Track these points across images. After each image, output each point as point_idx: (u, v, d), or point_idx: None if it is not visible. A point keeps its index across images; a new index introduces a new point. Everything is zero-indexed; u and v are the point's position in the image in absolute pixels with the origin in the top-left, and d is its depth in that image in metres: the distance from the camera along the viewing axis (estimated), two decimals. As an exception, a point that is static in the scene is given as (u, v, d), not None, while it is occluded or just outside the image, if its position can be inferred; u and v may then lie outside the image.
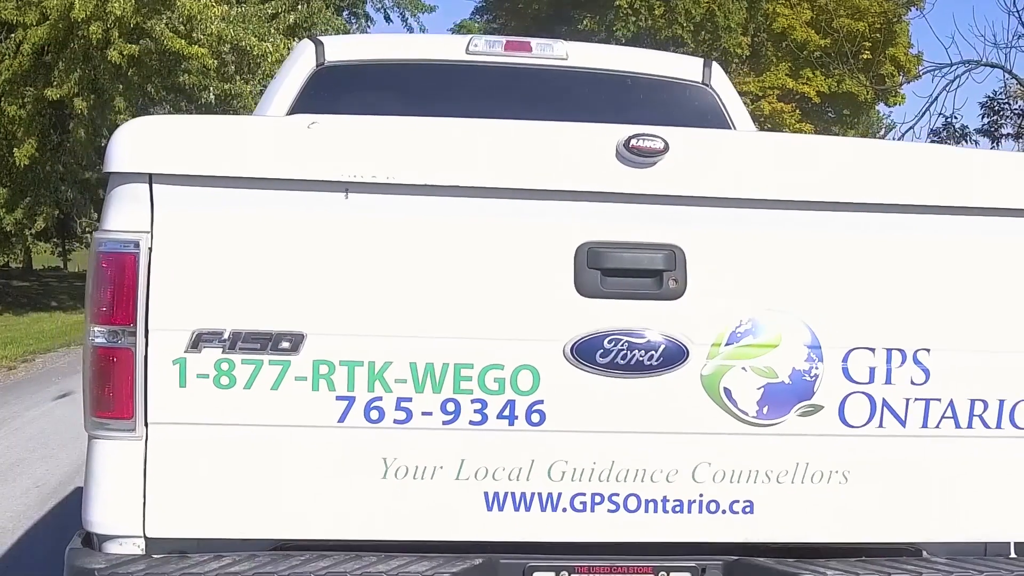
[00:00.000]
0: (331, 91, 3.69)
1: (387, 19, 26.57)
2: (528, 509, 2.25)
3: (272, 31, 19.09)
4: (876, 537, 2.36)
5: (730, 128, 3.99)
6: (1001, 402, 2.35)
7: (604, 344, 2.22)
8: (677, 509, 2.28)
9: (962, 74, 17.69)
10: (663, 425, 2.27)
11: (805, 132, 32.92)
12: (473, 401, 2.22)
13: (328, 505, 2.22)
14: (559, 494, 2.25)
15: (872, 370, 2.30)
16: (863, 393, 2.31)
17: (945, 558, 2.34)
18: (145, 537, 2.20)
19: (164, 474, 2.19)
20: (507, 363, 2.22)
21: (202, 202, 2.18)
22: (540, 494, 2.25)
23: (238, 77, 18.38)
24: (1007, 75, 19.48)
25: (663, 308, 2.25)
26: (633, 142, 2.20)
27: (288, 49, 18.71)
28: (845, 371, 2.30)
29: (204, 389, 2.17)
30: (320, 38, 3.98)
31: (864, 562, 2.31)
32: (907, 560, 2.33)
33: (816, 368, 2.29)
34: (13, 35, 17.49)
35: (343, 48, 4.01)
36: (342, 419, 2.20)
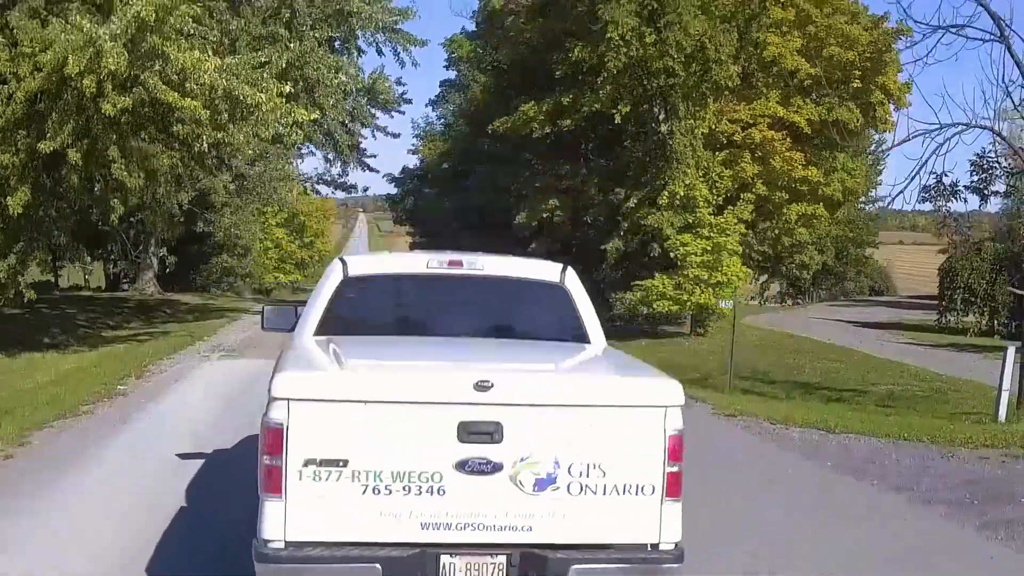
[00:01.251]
0: (352, 290, 6.46)
1: (379, 52, 26.66)
2: (442, 529, 4.85)
3: (265, 76, 19.15)
4: (584, 539, 4.94)
5: (577, 316, 6.42)
6: (607, 485, 4.93)
7: (471, 462, 4.81)
8: (501, 528, 4.87)
9: (952, 136, 17.77)
10: (496, 494, 4.84)
11: (795, 160, 33.19)
12: (417, 486, 4.85)
13: (357, 518, 4.84)
14: (458, 523, 4.86)
15: (571, 471, 4.88)
16: (573, 481, 4.89)
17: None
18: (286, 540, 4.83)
19: (293, 515, 4.80)
20: (431, 470, 4.82)
21: (308, 409, 4.80)
22: (449, 523, 4.86)
23: (231, 126, 18.41)
24: (996, 137, 19.61)
25: (494, 448, 4.82)
26: (480, 382, 4.77)
27: (281, 95, 18.88)
28: (568, 470, 4.87)
29: (309, 479, 4.79)
30: (345, 259, 6.64)
31: (582, 549, 4.93)
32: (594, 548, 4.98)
33: (555, 471, 4.87)
34: (6, 86, 17.51)
35: (358, 266, 6.64)
36: (363, 492, 4.83)
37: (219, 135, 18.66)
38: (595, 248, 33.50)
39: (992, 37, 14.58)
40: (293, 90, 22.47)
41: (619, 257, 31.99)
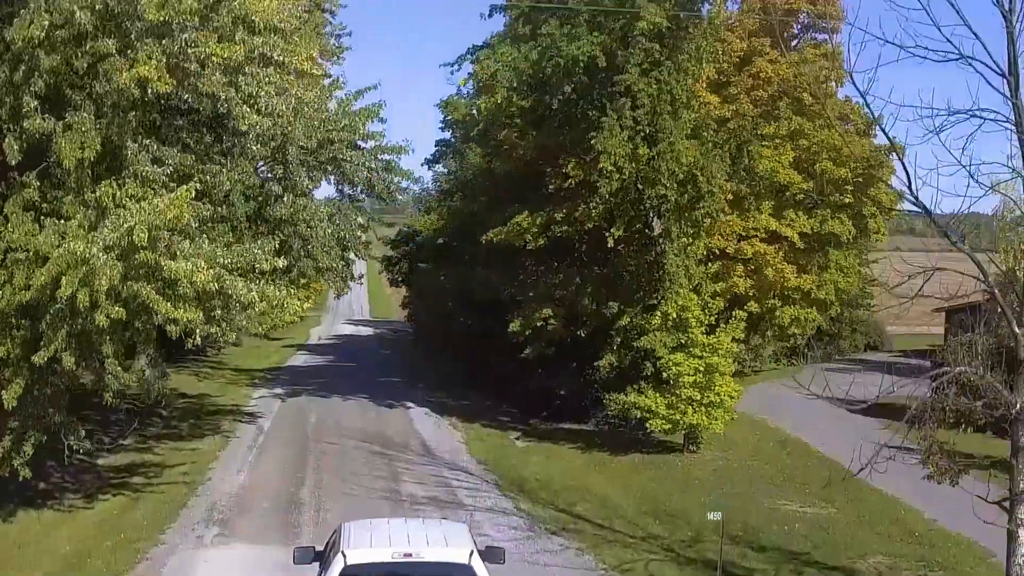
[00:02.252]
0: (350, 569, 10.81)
1: (371, 187, 26.72)
2: None
3: (259, 255, 19.31)
4: None
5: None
6: None
7: None
8: None
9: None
10: None
11: (787, 273, 33.36)
12: None
13: None
14: None
15: None
16: None
17: None
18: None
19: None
20: None
21: None
22: None
23: (224, 323, 18.59)
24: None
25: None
26: None
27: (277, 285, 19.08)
28: None
29: None
30: (345, 552, 10.96)
31: None
32: None
33: None
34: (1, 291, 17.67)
35: (355, 556, 10.88)
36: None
37: (212, 329, 18.81)
38: (588, 350, 33.68)
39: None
40: (286, 259, 22.68)
41: (612, 371, 32.10)
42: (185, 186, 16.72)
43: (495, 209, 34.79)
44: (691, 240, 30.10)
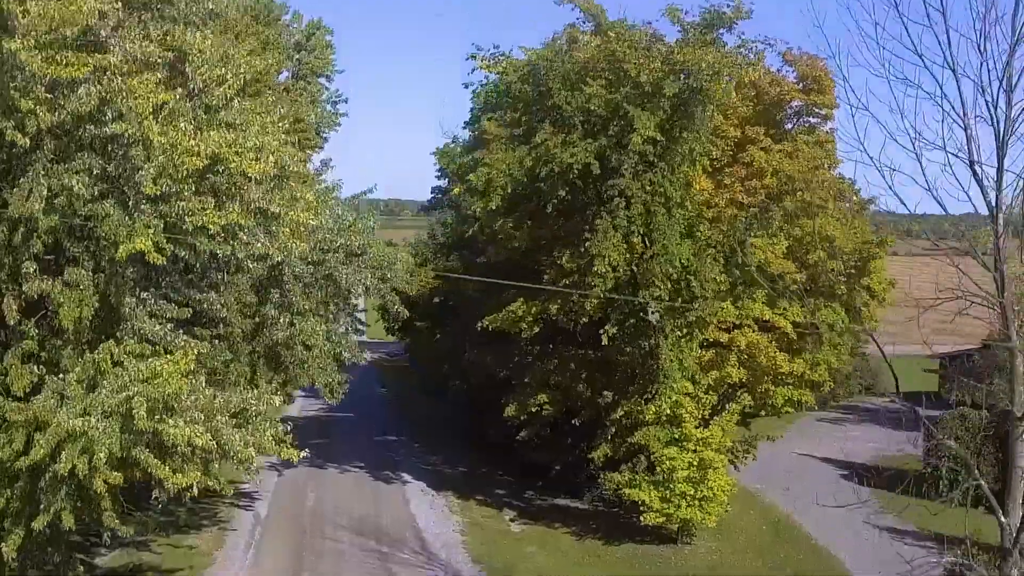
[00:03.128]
0: None
1: (367, 291, 26.85)
2: None
3: (253, 401, 19.53)
4: None
5: None
6: None
7: None
8: None
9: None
10: None
11: (779, 361, 33.60)
12: None
13: None
14: None
15: None
16: None
17: None
18: None
19: None
20: None
21: None
22: None
23: (221, 477, 18.82)
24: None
25: None
26: None
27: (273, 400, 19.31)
28: None
29: None
30: None
31: None
32: None
33: None
34: (-1, 452, 17.86)
35: None
36: None
37: (209, 482, 19.01)
38: (583, 432, 33.92)
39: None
40: (280, 382, 22.88)
41: (606, 461, 32.32)
42: (184, 357, 16.92)
43: (490, 293, 34.98)
44: (685, 335, 30.34)
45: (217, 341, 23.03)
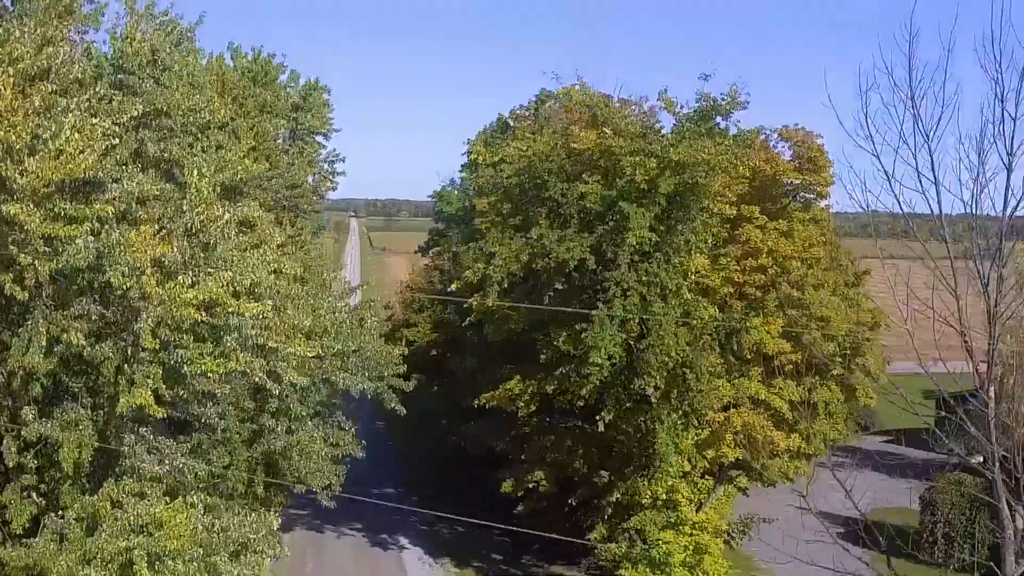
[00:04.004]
0: None
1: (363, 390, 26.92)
2: None
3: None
4: None
5: None
6: None
7: None
8: None
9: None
10: None
11: (777, 440, 33.69)
12: None
13: None
14: None
15: None
16: None
17: None
18: None
19: None
20: None
21: None
22: None
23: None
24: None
25: None
26: None
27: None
28: None
29: None
30: None
31: None
32: None
33: None
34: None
35: None
36: None
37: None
38: (579, 508, 34.08)
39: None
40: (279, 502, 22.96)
41: (602, 542, 32.46)
42: (184, 513, 17.04)
43: (486, 369, 35.14)
44: (681, 419, 30.47)
45: (215, 448, 23.20)
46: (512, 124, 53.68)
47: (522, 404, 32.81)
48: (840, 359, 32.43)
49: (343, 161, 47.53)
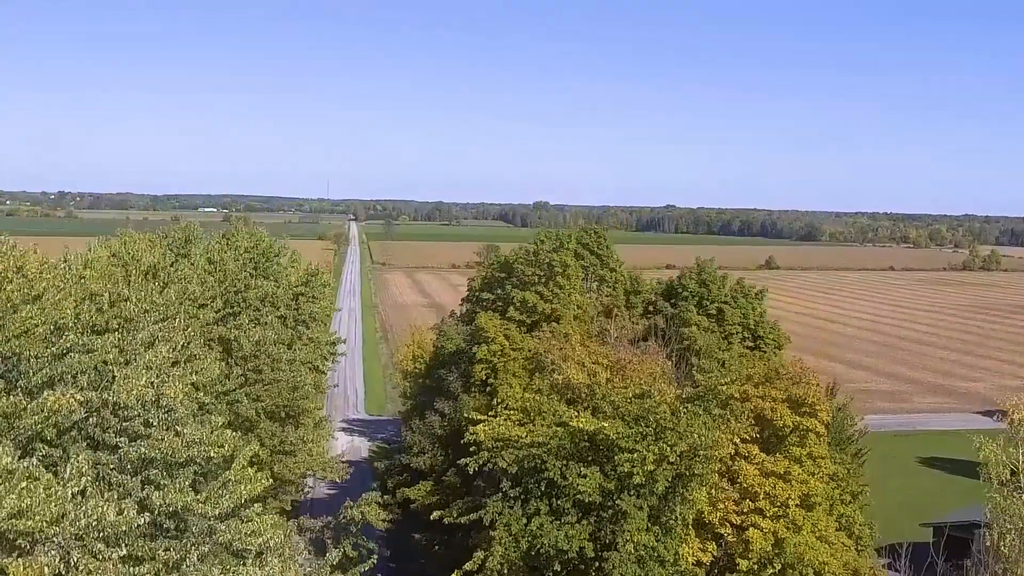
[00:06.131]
0: None
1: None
2: None
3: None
4: None
5: None
6: None
7: None
8: None
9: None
10: None
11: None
12: None
13: None
14: None
15: None
16: None
17: None
18: None
19: None
20: None
21: None
22: None
23: None
24: None
25: None
26: None
27: None
28: None
29: None
30: None
31: None
32: None
33: None
34: None
35: None
36: None
37: None
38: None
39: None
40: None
41: None
42: None
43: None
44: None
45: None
46: (513, 263, 53.98)
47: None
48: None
49: (344, 343, 47.60)
